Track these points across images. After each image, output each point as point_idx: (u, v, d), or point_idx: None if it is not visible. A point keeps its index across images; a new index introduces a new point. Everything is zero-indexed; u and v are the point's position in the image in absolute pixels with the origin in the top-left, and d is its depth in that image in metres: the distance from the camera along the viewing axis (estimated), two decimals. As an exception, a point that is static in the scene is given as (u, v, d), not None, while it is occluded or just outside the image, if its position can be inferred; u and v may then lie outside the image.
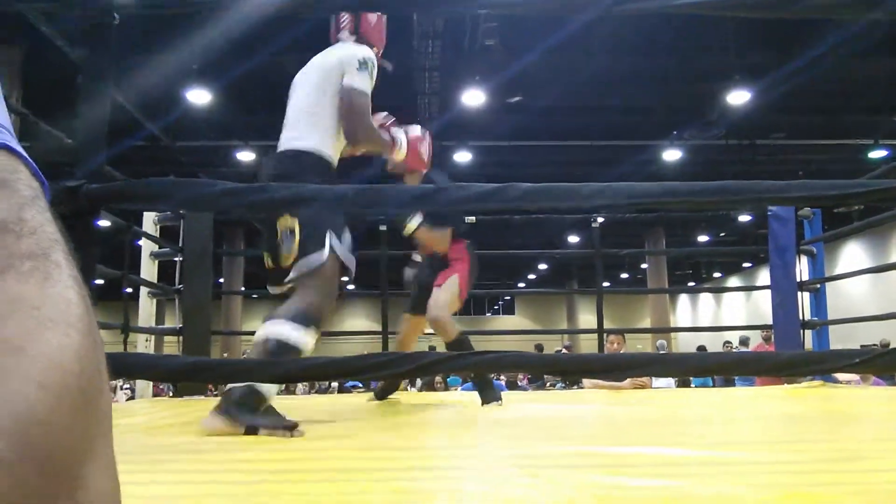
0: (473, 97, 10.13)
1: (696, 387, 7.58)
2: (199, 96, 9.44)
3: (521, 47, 8.55)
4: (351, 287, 26.59)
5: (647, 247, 18.42)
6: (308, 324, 2.01)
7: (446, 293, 3.21)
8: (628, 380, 4.34)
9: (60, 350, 0.32)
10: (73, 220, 1.35)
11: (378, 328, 4.64)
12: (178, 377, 1.48)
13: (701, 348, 11.34)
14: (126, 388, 8.70)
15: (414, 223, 3.12)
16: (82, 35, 1.47)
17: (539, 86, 9.75)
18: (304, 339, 1.98)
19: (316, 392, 7.81)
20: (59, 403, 0.31)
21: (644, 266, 21.35)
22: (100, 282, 4.06)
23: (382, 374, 1.45)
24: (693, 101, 10.29)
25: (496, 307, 29.78)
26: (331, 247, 2.03)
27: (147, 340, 4.06)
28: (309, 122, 2.30)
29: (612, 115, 10.71)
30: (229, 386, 1.90)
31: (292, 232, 2.02)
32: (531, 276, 27.06)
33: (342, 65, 2.33)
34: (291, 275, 2.09)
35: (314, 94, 2.33)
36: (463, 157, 12.32)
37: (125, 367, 1.70)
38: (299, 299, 2.07)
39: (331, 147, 2.29)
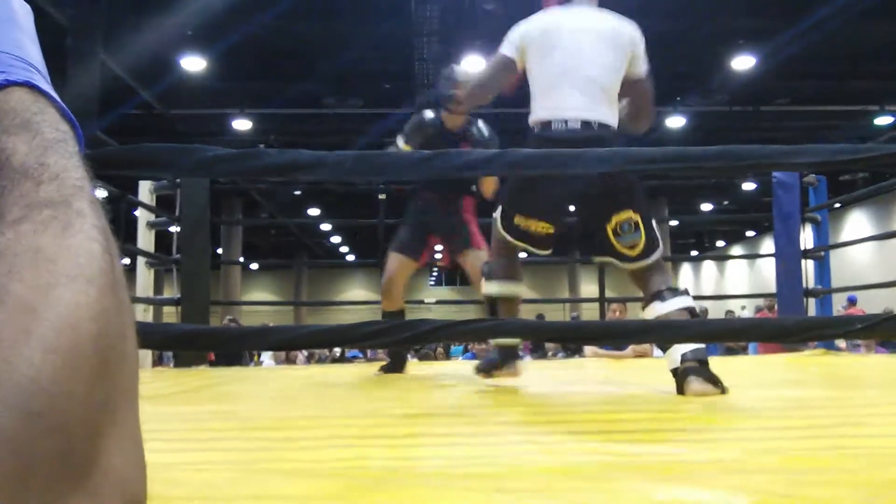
0: (474, 63, 10.00)
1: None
2: (193, 63, 9.32)
3: (521, 12, 8.42)
4: (350, 257, 26.65)
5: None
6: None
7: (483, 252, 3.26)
8: (630, 349, 4.34)
9: (75, 309, 0.29)
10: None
11: (377, 298, 4.64)
12: (177, 344, 1.46)
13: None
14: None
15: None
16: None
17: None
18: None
19: (316, 362, 7.84)
20: (72, 369, 0.28)
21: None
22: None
23: (381, 341, 1.43)
24: (697, 67, 10.17)
25: (497, 277, 29.87)
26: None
27: (146, 311, 4.05)
28: (607, 99, 2.28)
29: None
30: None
31: (636, 225, 2.18)
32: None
33: (634, 45, 2.36)
34: (648, 261, 2.24)
35: (611, 73, 2.30)
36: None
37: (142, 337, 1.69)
38: (662, 277, 2.28)
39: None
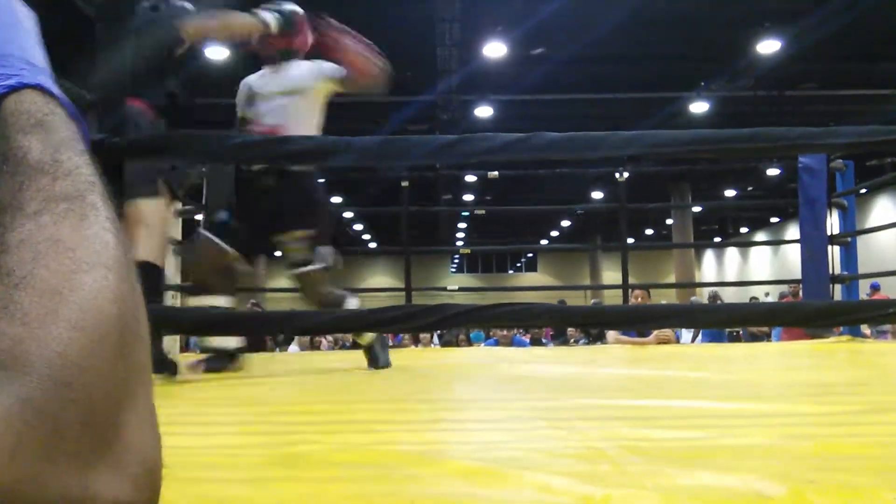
0: (495, 49, 9.95)
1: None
2: (216, 52, 9.39)
3: (543, -2, 8.36)
4: (372, 245, 26.71)
5: (673, 202, 18.19)
6: None
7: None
8: (653, 335, 4.33)
9: (97, 293, 0.32)
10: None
11: (400, 285, 4.66)
12: (207, 329, 1.49)
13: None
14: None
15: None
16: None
17: (562, 37, 9.54)
18: None
19: (339, 348, 7.90)
20: (97, 347, 0.30)
21: (669, 221, 21.13)
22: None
23: (408, 325, 1.44)
24: (721, 51, 10.02)
25: (518, 264, 29.76)
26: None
27: (174, 297, 4.10)
28: None
29: (636, 67, 10.48)
30: None
31: None
32: (554, 233, 26.92)
33: None
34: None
35: None
36: (484, 111, 12.18)
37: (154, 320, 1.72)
38: None
39: None
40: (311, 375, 2.57)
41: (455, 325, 1.44)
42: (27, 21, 0.42)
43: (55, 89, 0.39)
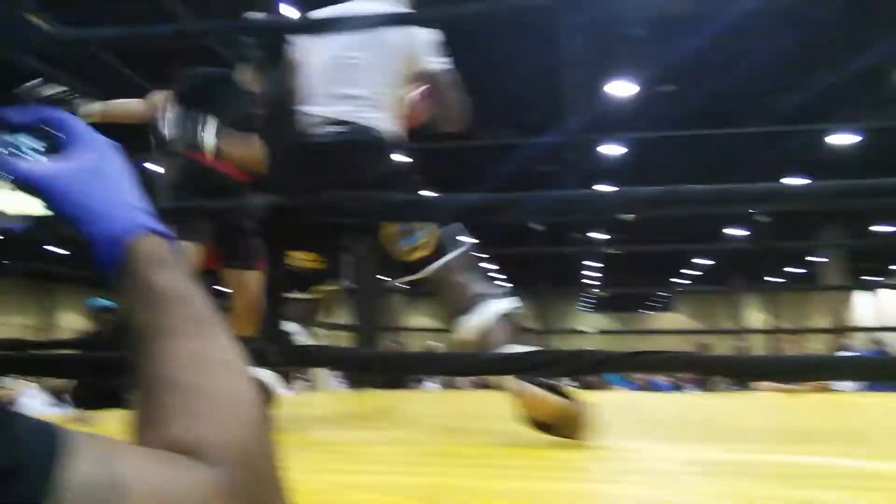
0: (622, 88, 9.88)
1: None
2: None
3: (671, 34, 8.23)
4: (505, 284, 26.72)
5: (822, 238, 17.00)
6: None
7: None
8: (805, 381, 4.06)
9: (249, 395, 0.42)
10: (269, 229, 1.51)
11: (532, 323, 4.66)
12: (365, 367, 1.59)
13: None
14: (304, 380, 9.25)
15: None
16: (262, 65, 1.61)
17: (692, 73, 9.33)
18: None
19: (478, 386, 7.92)
20: (260, 438, 0.40)
21: (818, 260, 19.71)
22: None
23: (550, 370, 1.48)
24: (867, 79, 9.38)
25: (653, 304, 28.70)
26: None
27: (328, 335, 4.34)
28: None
29: (774, 99, 10.02)
30: None
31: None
32: (691, 272, 25.80)
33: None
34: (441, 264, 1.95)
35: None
36: (612, 150, 12.03)
37: (319, 359, 1.90)
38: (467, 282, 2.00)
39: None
40: (452, 416, 2.62)
41: (598, 372, 1.44)
42: (131, 173, 0.52)
43: (166, 230, 0.49)
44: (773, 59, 8.92)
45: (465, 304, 1.84)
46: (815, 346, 10.35)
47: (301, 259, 1.88)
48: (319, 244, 1.92)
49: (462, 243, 1.92)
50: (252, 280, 2.55)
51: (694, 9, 1.43)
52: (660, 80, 9.70)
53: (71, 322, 17.43)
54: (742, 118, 10.61)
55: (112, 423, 2.32)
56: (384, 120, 2.01)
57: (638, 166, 12.88)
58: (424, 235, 1.87)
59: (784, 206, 1.29)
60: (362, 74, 1.99)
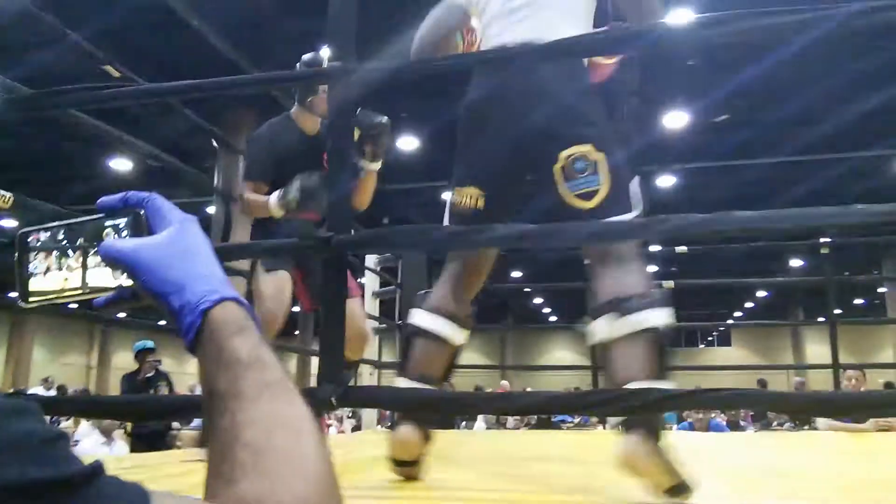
0: (676, 118, 9.81)
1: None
2: (407, 143, 10.13)
3: (725, 64, 8.15)
4: (553, 319, 26.52)
5: (886, 269, 16.41)
6: None
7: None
8: (871, 420, 3.89)
9: (317, 455, 0.44)
10: (326, 264, 1.54)
11: (582, 361, 4.60)
12: (420, 407, 1.59)
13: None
14: (352, 418, 9.32)
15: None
16: (330, 111, 1.65)
17: (747, 102, 9.21)
18: None
19: (525, 426, 7.85)
20: (325, 495, 0.42)
21: (883, 290, 19.00)
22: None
23: (611, 409, 1.44)
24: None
25: (710, 338, 27.98)
26: None
27: (371, 373, 4.37)
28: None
29: (828, 127, 9.79)
30: None
31: (595, 166, 1.62)
32: (749, 305, 25.11)
33: None
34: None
35: None
36: (667, 181, 11.91)
37: (378, 401, 1.92)
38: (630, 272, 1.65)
39: None
40: (499, 459, 2.58)
41: (657, 411, 1.38)
42: (207, 244, 0.56)
43: (241, 298, 0.52)
44: (825, 85, 8.75)
45: (623, 295, 1.53)
46: (881, 380, 9.91)
47: None
48: None
49: (639, 202, 1.68)
50: (355, 308, 2.57)
51: (747, 41, 1.41)
52: (714, 110, 9.59)
53: (123, 362, 18.14)
54: (797, 146, 10.40)
55: (165, 465, 2.37)
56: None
57: (691, 196, 12.73)
58: (603, 176, 1.62)
59: (848, 234, 1.24)
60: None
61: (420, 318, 1.85)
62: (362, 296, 2.86)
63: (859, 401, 1.45)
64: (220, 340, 0.49)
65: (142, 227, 0.57)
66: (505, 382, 13.63)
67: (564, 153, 1.61)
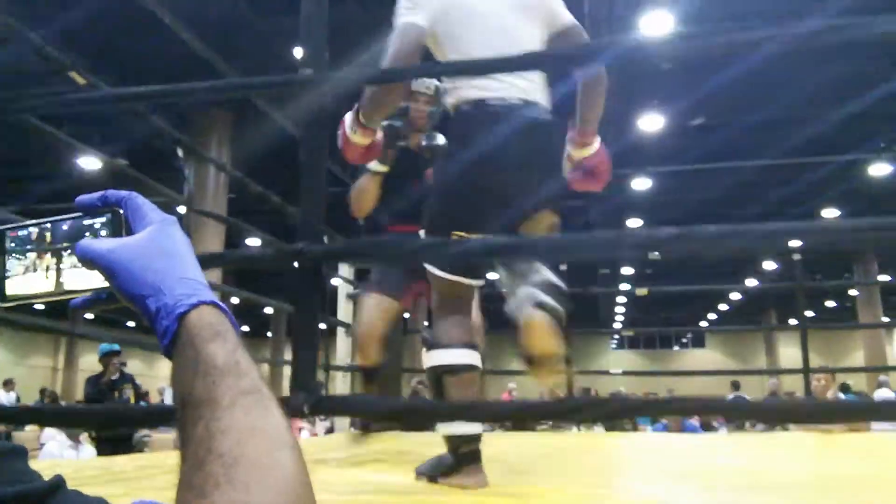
0: (651, 122, 9.90)
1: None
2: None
3: (700, 67, 8.25)
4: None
5: (857, 273, 16.71)
6: None
7: None
8: (841, 422, 3.95)
9: (291, 466, 0.43)
10: (299, 275, 1.52)
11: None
12: (396, 417, 1.59)
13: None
14: (325, 420, 9.26)
15: None
16: (302, 119, 1.63)
17: (723, 105, 9.32)
18: None
19: (501, 428, 7.84)
20: None
21: (854, 293, 19.34)
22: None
23: (577, 417, 1.45)
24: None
25: (684, 340, 28.27)
26: None
27: (344, 376, 4.35)
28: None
29: (806, 131, 9.95)
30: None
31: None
32: (724, 307, 25.41)
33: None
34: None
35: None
36: (643, 183, 12.01)
37: (351, 409, 1.91)
38: None
39: None
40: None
41: (625, 417, 1.41)
42: (187, 246, 0.55)
43: (220, 302, 0.51)
44: (804, 89, 8.89)
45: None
46: (850, 382, 10.09)
47: None
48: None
49: None
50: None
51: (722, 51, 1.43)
52: (689, 113, 9.70)
53: (89, 364, 17.92)
54: (774, 150, 10.55)
55: (130, 468, 2.34)
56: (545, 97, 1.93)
57: (667, 199, 12.84)
58: None
59: (818, 244, 1.27)
60: (524, 46, 1.84)
61: (443, 356, 1.84)
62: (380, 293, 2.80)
63: (826, 408, 1.47)
64: (196, 345, 0.47)
65: (121, 226, 0.55)
66: (512, 385, 13.61)
67: (546, 222, 1.85)
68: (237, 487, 0.40)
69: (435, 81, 2.64)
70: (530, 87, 1.84)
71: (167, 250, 0.53)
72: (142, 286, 0.50)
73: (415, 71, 1.87)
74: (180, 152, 8.17)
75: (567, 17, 1.94)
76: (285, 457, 0.43)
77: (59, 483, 0.35)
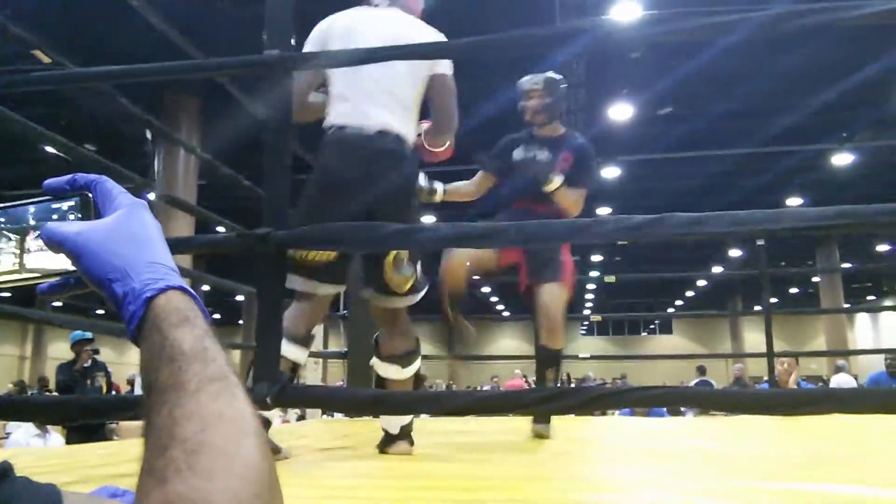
0: (621, 111, 9.96)
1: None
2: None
3: (669, 57, 8.31)
4: (504, 311, 26.73)
5: (819, 260, 17.07)
6: None
7: (565, 291, 2.93)
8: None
9: (255, 453, 0.42)
10: (263, 261, 1.51)
11: (529, 348, 4.65)
12: (363, 409, 1.59)
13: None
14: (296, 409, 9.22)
15: (557, 181, 2.80)
16: (264, 97, 1.63)
17: (691, 94, 9.42)
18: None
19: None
20: (260, 494, 0.40)
21: (816, 279, 19.78)
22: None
23: (550, 407, 1.47)
24: (868, 98, 9.46)
25: (652, 326, 28.68)
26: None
27: (316, 363, 4.34)
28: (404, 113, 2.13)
29: (773, 121, 10.10)
30: None
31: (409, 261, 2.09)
32: (690, 294, 25.82)
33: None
34: (412, 300, 2.18)
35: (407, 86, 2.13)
36: (612, 172, 12.11)
37: (315, 400, 1.91)
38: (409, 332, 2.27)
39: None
40: (465, 446, 2.58)
41: (597, 408, 1.44)
42: (157, 230, 0.54)
43: (189, 288, 0.50)
44: (771, 79, 9.00)
45: (407, 349, 2.20)
46: (813, 366, 10.34)
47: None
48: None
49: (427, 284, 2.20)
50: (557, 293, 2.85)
51: (691, 38, 1.46)
52: (658, 102, 9.77)
53: (59, 352, 17.58)
54: (742, 140, 10.70)
55: (95, 456, 2.30)
56: (412, 130, 2.13)
57: (636, 188, 12.97)
58: (412, 269, 2.10)
59: (781, 233, 1.30)
60: (398, 81, 2.07)
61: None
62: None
63: (798, 399, 1.49)
64: (163, 330, 0.46)
65: (89, 210, 0.55)
66: (518, 371, 13.55)
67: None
68: (199, 474, 0.39)
69: (543, 76, 2.93)
70: (391, 120, 2.05)
71: (136, 234, 0.52)
72: (109, 270, 0.50)
73: (399, 51, 1.86)
74: (149, 135, 8.02)
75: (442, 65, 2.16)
76: (251, 444, 0.42)
77: (4, 469, 0.34)
